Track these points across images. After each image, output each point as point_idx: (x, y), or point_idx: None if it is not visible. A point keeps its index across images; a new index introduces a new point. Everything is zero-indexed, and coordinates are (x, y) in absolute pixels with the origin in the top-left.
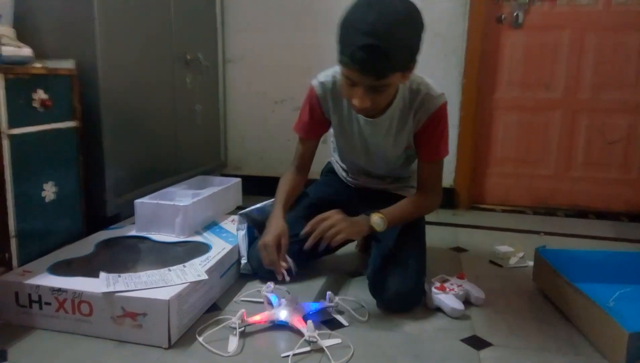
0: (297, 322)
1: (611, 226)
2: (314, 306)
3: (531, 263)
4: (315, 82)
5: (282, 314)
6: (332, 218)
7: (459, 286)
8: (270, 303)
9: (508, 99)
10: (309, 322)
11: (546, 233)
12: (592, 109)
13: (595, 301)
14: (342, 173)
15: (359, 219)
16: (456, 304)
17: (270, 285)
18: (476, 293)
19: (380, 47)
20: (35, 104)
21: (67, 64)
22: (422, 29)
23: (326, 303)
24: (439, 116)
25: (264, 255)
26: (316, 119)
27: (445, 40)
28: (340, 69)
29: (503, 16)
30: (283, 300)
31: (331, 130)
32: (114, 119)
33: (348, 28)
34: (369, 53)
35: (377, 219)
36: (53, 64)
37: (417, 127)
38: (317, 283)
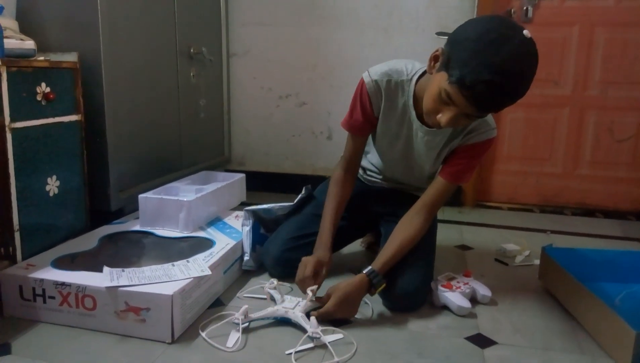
0: (301, 319)
1: (618, 225)
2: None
3: (537, 262)
4: (367, 79)
5: (286, 310)
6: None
7: (465, 284)
8: (272, 299)
9: None
10: (312, 318)
11: (553, 232)
12: (600, 106)
13: (601, 300)
14: (359, 172)
15: (357, 292)
16: (463, 302)
17: (274, 281)
18: (483, 291)
19: (505, 89)
20: (39, 98)
21: (70, 57)
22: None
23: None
24: (485, 146)
25: (301, 270)
26: (367, 116)
27: None
28: (440, 80)
29: (512, 11)
30: (287, 297)
31: None
32: (118, 113)
33: (475, 53)
34: (492, 91)
35: (379, 282)
36: (56, 57)
37: (461, 143)
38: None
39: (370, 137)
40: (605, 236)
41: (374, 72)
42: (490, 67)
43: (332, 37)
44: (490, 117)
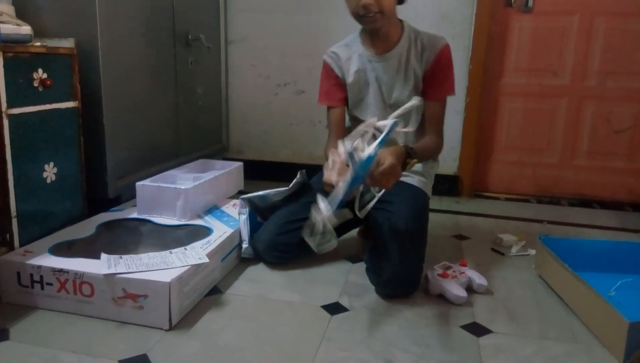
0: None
1: (615, 215)
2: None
3: (533, 252)
4: (325, 56)
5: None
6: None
7: (461, 273)
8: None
9: (515, 85)
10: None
11: (549, 222)
12: (599, 96)
13: (596, 290)
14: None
15: (397, 152)
16: (459, 291)
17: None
18: (479, 280)
19: None
20: (35, 84)
21: (67, 43)
22: None
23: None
24: (446, 54)
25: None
26: (333, 83)
27: (452, 22)
28: None
29: (513, 0)
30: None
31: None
32: (115, 99)
33: None
34: None
35: (411, 164)
36: (53, 43)
37: (426, 66)
38: (318, 269)
39: (349, 115)
40: (601, 226)
41: (330, 48)
42: None
43: (331, 25)
44: (433, 34)
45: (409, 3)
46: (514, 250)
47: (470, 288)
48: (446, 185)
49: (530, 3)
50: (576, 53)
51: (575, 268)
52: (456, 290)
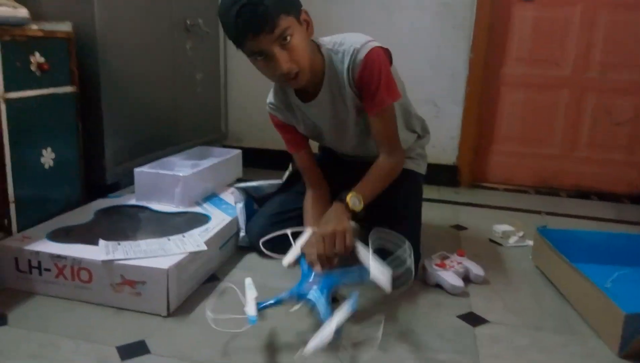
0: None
1: (613, 207)
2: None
3: (531, 243)
4: (268, 109)
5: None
6: (317, 248)
7: (458, 263)
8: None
9: (515, 75)
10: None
11: (548, 213)
12: (600, 88)
13: (592, 282)
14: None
15: (334, 212)
16: (456, 281)
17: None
18: (476, 270)
19: (249, 2)
20: (33, 68)
21: (64, 27)
22: None
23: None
24: (370, 61)
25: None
26: (290, 130)
27: (453, 11)
28: (249, 58)
29: None
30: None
31: None
32: (113, 85)
33: (223, 17)
34: (246, 13)
35: (353, 200)
36: (50, 26)
37: (355, 82)
38: None
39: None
40: (599, 218)
41: (268, 97)
42: (230, 11)
43: (332, 14)
44: (355, 40)
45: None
46: (511, 240)
47: (467, 279)
48: (445, 175)
49: None
50: (578, 44)
51: (573, 260)
52: (453, 280)
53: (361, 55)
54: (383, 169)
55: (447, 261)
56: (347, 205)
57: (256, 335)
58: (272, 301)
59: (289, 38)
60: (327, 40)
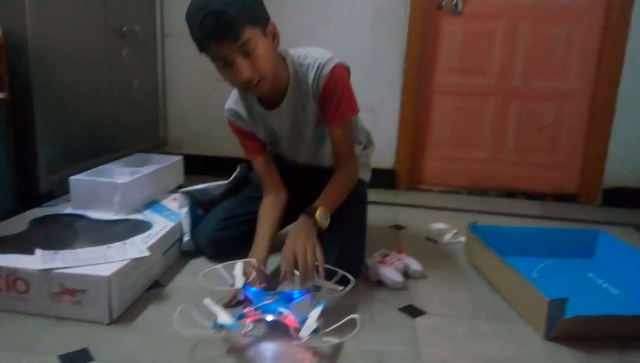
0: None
1: (538, 205)
2: (296, 294)
3: (464, 239)
4: (227, 114)
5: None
6: (290, 254)
7: (399, 260)
8: (248, 298)
9: (446, 84)
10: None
11: (478, 212)
12: (523, 95)
13: (520, 273)
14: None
15: (303, 227)
16: (396, 276)
17: (241, 276)
18: (414, 266)
19: (215, 10)
20: None
21: None
22: None
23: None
24: (335, 76)
25: (249, 271)
26: (248, 137)
27: (388, 23)
28: (209, 59)
29: (443, 3)
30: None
31: None
32: (46, 91)
33: (189, 18)
34: (210, 20)
35: (321, 216)
36: None
37: (317, 96)
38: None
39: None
40: (525, 215)
41: (227, 102)
42: (196, 13)
43: (275, 20)
44: (320, 55)
45: (345, 3)
46: (446, 238)
47: (406, 274)
48: (384, 178)
49: (460, 7)
50: (502, 55)
51: (502, 253)
52: (393, 276)
53: (326, 70)
54: (345, 180)
55: (387, 258)
56: (315, 221)
57: (201, 342)
58: (238, 315)
59: (251, 48)
60: (291, 53)
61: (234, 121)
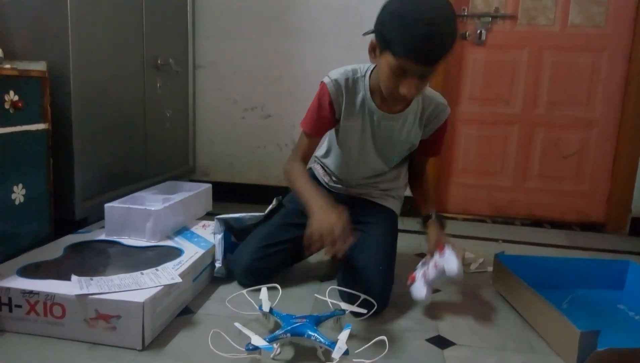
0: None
1: (564, 234)
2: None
3: (490, 269)
4: (327, 80)
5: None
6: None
7: (434, 266)
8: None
9: (470, 113)
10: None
11: (504, 241)
12: (548, 124)
13: (550, 303)
14: (323, 179)
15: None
16: (419, 293)
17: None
18: (450, 270)
19: (437, 35)
20: (7, 106)
21: (38, 66)
22: None
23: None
24: (447, 124)
25: (331, 236)
26: (325, 114)
27: None
28: (387, 60)
29: (467, 33)
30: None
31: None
32: (85, 121)
33: (402, 19)
34: (429, 42)
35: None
36: (24, 65)
37: (427, 135)
38: (289, 289)
39: (330, 141)
40: (552, 245)
41: (333, 73)
42: (418, 23)
43: (297, 51)
44: (439, 96)
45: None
46: (472, 267)
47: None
48: (408, 207)
49: (484, 37)
50: (526, 84)
51: (530, 284)
52: (417, 293)
53: (445, 115)
54: (428, 186)
55: (415, 272)
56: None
57: None
58: (268, 338)
59: (430, 76)
60: None
61: (330, 93)
